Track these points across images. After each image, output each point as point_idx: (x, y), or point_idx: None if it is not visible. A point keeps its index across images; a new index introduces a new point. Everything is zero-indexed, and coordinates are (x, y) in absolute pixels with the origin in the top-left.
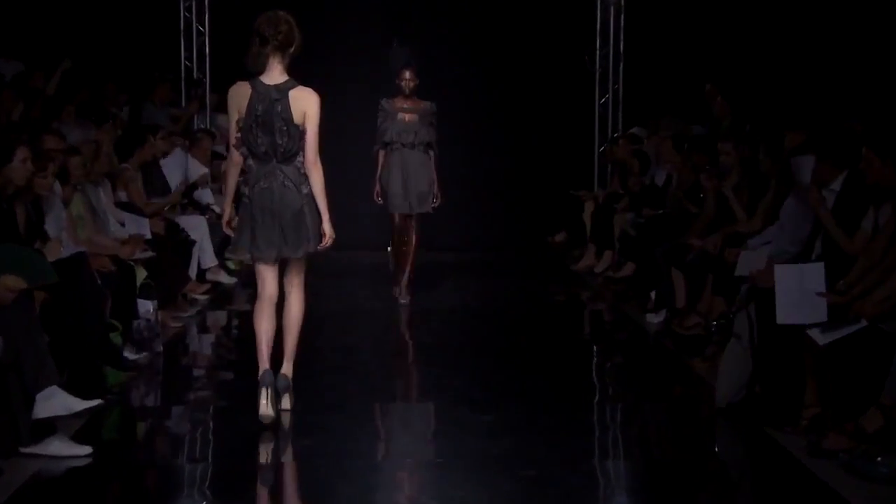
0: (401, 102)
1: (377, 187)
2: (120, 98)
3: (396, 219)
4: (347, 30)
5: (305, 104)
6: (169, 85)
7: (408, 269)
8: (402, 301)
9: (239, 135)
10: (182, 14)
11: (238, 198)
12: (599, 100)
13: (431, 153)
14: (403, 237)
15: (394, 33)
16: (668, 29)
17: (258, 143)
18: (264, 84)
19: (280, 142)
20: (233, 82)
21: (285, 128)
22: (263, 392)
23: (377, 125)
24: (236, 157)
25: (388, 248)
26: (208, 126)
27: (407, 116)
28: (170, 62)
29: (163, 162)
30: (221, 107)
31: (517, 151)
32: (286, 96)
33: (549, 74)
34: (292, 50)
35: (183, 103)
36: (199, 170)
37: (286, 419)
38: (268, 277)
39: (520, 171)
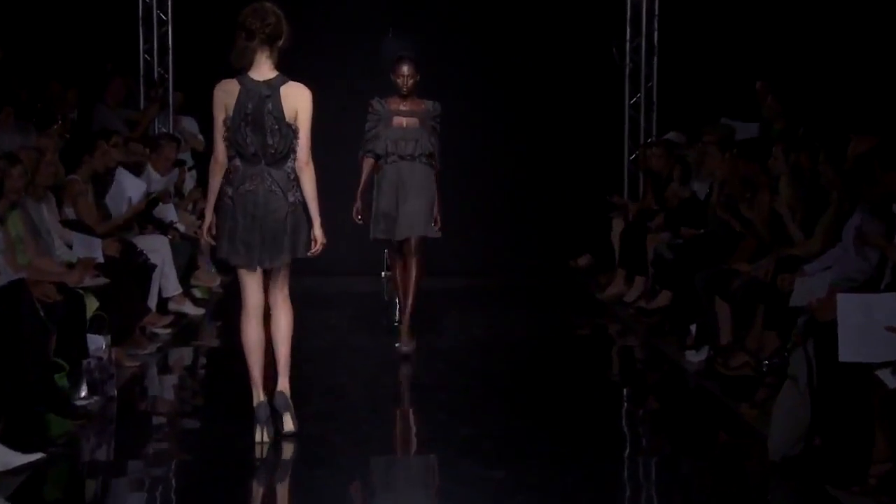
0: (397, 103)
1: (357, 203)
2: (67, 98)
3: (395, 245)
4: (334, 17)
5: (297, 101)
6: (124, 81)
7: (408, 305)
8: (405, 349)
9: (226, 134)
10: (141, 1)
11: (219, 199)
12: (630, 100)
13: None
14: (403, 266)
15: (389, 22)
16: (711, 16)
17: (247, 144)
18: (253, 80)
19: (271, 142)
20: (199, 79)
21: (277, 126)
22: (259, 430)
23: (365, 128)
24: (221, 157)
25: (383, 274)
26: (171, 130)
27: (405, 121)
28: (126, 56)
29: (120, 174)
30: (186, 108)
31: (533, 160)
32: (277, 92)
33: (570, 70)
34: (280, 43)
35: (141, 104)
36: (160, 182)
37: (288, 449)
38: (251, 286)
39: (536, 183)
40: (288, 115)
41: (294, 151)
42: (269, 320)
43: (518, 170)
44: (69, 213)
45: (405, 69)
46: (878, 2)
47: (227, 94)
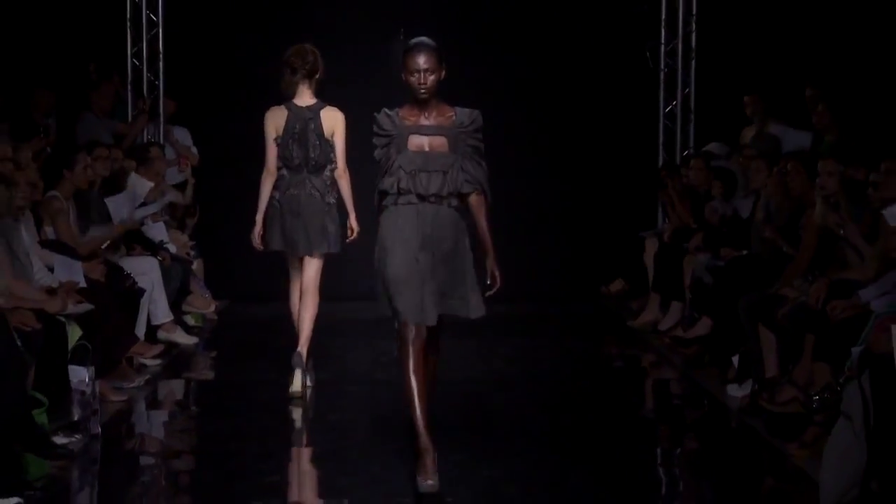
0: (415, 116)
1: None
2: (48, 105)
3: (411, 331)
4: (339, 21)
5: (334, 122)
6: (114, 87)
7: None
8: (428, 483)
9: (276, 150)
10: (129, 1)
11: (269, 202)
12: (665, 108)
13: (478, 203)
14: (420, 358)
15: (398, 23)
16: (754, 15)
17: (293, 157)
18: (298, 106)
19: (313, 155)
20: (192, 87)
21: (318, 142)
22: (296, 376)
23: (375, 158)
24: (273, 168)
25: None
26: (161, 142)
27: (427, 142)
28: (113, 60)
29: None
30: (178, 117)
31: (559, 175)
32: (318, 115)
33: (599, 76)
34: (318, 76)
35: (129, 113)
36: (147, 195)
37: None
38: (294, 268)
39: (562, 200)
40: (327, 133)
41: (331, 162)
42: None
43: (542, 186)
44: (49, 232)
45: (421, 60)
46: None
47: (276, 118)
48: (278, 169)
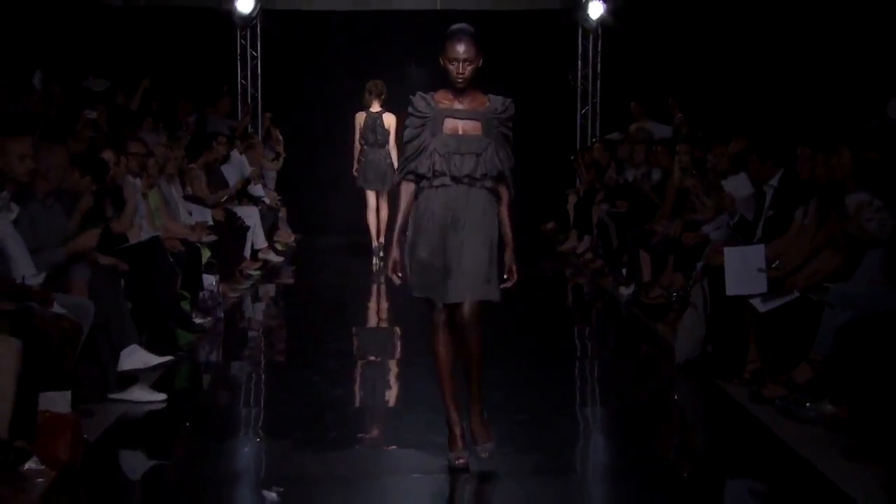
0: (450, 100)
1: (395, 251)
2: (188, 109)
3: (439, 310)
4: (361, 56)
5: (389, 121)
6: (229, 99)
7: (474, 394)
8: (459, 462)
9: (361, 135)
10: (238, 41)
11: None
12: (580, 111)
13: (503, 194)
14: (451, 337)
15: (409, 56)
16: (638, 53)
17: (368, 138)
18: (371, 112)
19: (378, 138)
20: (282, 97)
21: (380, 131)
22: (374, 259)
23: (403, 138)
24: (359, 143)
25: None
26: (260, 135)
27: (461, 125)
28: (229, 81)
29: (224, 166)
30: (274, 119)
31: (515, 154)
32: (381, 117)
33: (540, 91)
34: (383, 96)
35: (239, 113)
36: (251, 173)
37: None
38: (371, 199)
39: (516, 170)
40: (386, 127)
41: (388, 142)
42: None
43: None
44: (188, 191)
45: (461, 49)
46: (749, 43)
47: (360, 118)
48: (361, 144)
